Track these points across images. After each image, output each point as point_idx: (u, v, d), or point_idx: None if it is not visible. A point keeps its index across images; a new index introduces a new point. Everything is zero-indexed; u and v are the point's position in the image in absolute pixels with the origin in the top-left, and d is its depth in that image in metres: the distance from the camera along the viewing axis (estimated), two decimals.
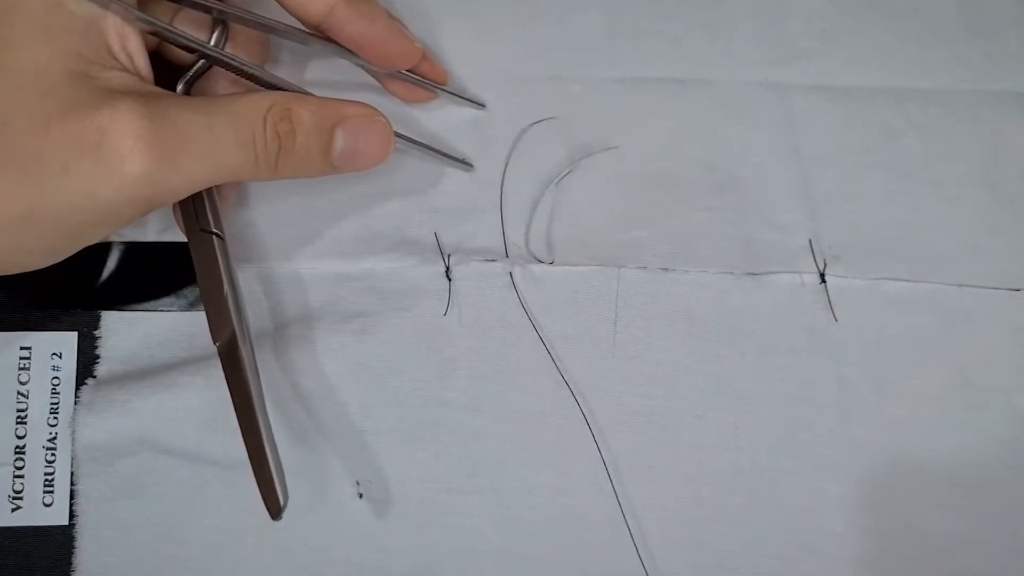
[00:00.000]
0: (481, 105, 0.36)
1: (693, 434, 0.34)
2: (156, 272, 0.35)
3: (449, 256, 0.35)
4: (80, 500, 0.34)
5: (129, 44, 0.28)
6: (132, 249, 0.35)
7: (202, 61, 0.31)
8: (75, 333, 0.34)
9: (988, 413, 0.34)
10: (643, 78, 0.36)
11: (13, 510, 0.34)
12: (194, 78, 0.31)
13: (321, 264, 0.35)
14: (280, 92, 0.29)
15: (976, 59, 0.37)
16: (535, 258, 0.35)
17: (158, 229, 0.35)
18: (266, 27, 0.32)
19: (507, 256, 0.35)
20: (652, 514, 0.34)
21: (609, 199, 0.35)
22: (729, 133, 0.36)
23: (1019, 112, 0.36)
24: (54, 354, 0.34)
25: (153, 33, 0.29)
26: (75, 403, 0.34)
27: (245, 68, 0.31)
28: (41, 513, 0.34)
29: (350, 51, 0.32)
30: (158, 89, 0.29)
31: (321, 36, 0.32)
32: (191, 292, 0.35)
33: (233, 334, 0.30)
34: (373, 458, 0.34)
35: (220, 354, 0.30)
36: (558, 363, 0.34)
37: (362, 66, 0.34)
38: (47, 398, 0.34)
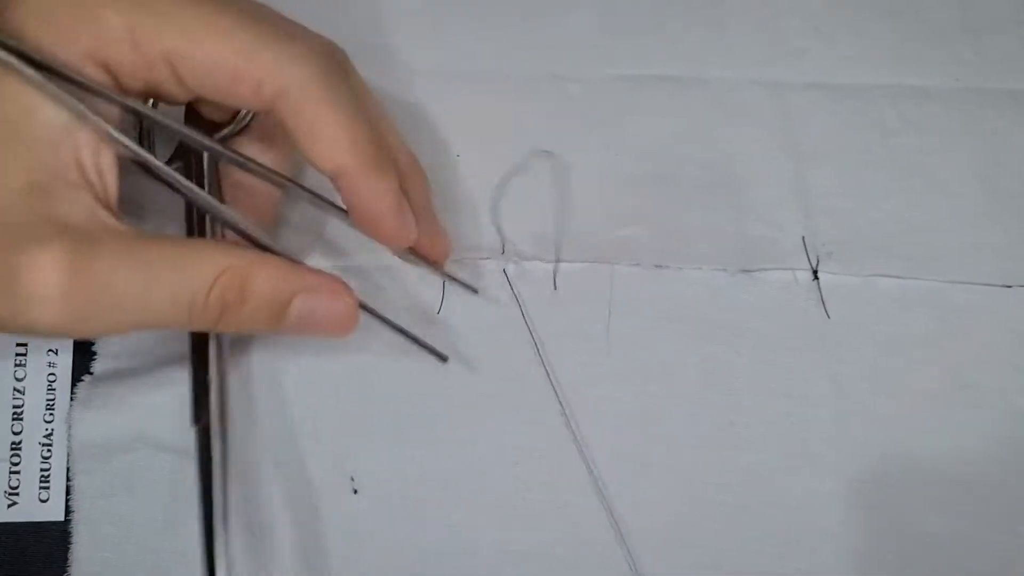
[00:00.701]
0: (474, 291, 0.34)
1: (688, 432, 0.34)
2: None
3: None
4: (76, 496, 0.34)
5: (102, 160, 0.26)
6: None
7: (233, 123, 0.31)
8: None
9: (984, 411, 0.34)
10: (640, 76, 0.36)
11: (9, 506, 0.34)
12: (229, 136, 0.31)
13: (316, 261, 0.35)
14: (243, 250, 0.27)
15: (972, 57, 0.37)
16: (529, 255, 0.35)
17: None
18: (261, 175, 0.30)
19: (502, 253, 0.35)
20: (647, 512, 0.34)
21: (604, 196, 0.36)
22: (725, 131, 0.36)
23: (1015, 110, 0.36)
24: (50, 350, 0.34)
25: (135, 161, 0.27)
26: (71, 399, 0.34)
27: (239, 226, 0.28)
28: (37, 509, 0.34)
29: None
30: (111, 224, 0.26)
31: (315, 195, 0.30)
32: None
33: (208, 422, 0.30)
34: (368, 455, 0.34)
35: (196, 436, 0.30)
36: (552, 360, 0.34)
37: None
38: (43, 394, 0.34)
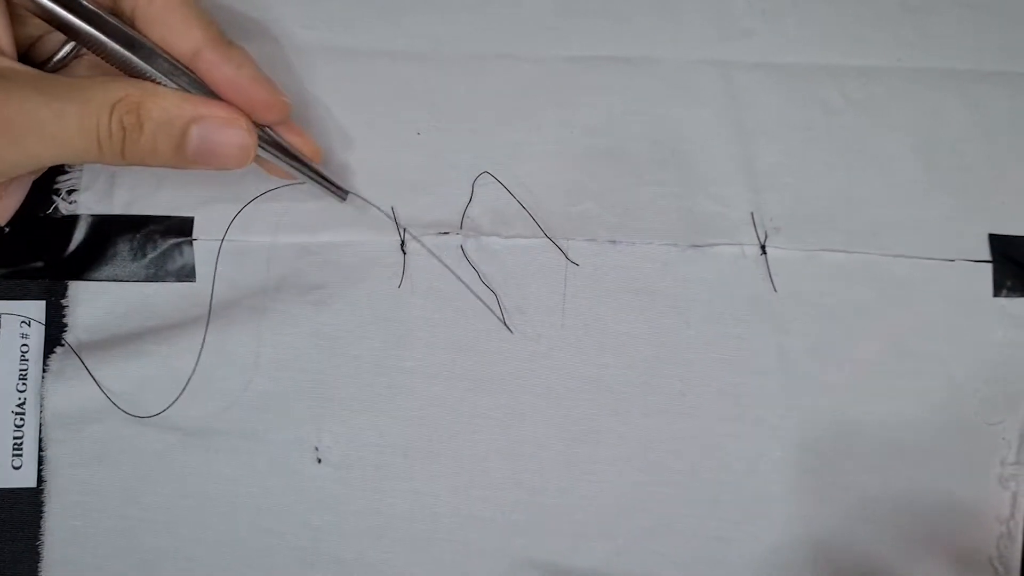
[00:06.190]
0: (342, 197, 0.35)
1: (641, 400, 0.35)
2: (121, 244, 0.36)
3: (404, 230, 0.36)
4: (48, 466, 0.35)
5: None
6: (98, 222, 0.36)
7: (66, 49, 0.31)
8: (43, 301, 0.36)
9: (922, 380, 0.35)
10: (591, 57, 0.37)
11: None
12: (58, 67, 0.31)
13: (281, 237, 0.36)
14: (139, 83, 0.29)
15: (914, 38, 0.38)
16: (487, 231, 0.36)
17: (124, 203, 0.36)
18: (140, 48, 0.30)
19: (461, 229, 0.36)
20: (602, 478, 0.35)
21: (559, 173, 0.36)
22: (675, 109, 0.37)
23: (953, 89, 0.37)
24: (23, 322, 0.35)
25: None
26: (44, 371, 0.35)
27: (116, 52, 0.29)
28: (10, 475, 0.35)
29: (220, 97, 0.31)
30: (17, 66, 0.29)
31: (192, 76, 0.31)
32: (154, 264, 0.36)
33: None
34: (332, 424, 0.35)
35: None
36: (508, 333, 0.35)
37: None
38: (16, 364, 0.35)
